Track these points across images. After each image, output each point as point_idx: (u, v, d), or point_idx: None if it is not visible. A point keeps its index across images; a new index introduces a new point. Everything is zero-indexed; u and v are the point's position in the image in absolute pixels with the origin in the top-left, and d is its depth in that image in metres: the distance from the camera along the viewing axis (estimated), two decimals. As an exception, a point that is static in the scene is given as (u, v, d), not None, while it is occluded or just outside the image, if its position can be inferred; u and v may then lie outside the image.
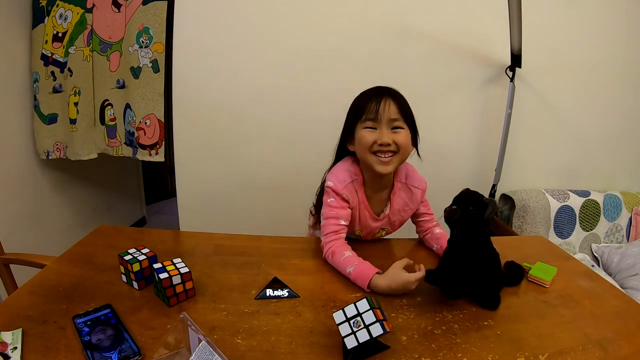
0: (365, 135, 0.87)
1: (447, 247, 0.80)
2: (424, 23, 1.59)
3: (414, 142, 0.94)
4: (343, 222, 0.91)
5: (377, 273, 0.80)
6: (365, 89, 0.95)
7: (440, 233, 1.02)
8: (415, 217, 1.06)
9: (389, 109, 0.87)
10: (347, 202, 0.92)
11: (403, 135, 0.88)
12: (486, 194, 1.67)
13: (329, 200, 0.93)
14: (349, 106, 0.95)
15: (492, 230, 1.75)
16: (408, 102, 0.94)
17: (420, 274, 0.77)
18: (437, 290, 0.81)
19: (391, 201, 0.98)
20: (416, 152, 0.98)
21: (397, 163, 0.90)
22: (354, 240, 1.03)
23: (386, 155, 0.87)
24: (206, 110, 1.63)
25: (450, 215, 0.73)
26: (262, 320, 0.69)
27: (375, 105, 0.87)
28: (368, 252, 0.92)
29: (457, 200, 0.75)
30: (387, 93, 0.90)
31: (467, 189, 0.78)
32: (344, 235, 0.92)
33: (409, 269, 0.80)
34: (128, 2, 1.59)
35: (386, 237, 1.08)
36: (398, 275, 0.78)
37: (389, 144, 0.87)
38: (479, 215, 0.72)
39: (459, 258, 0.76)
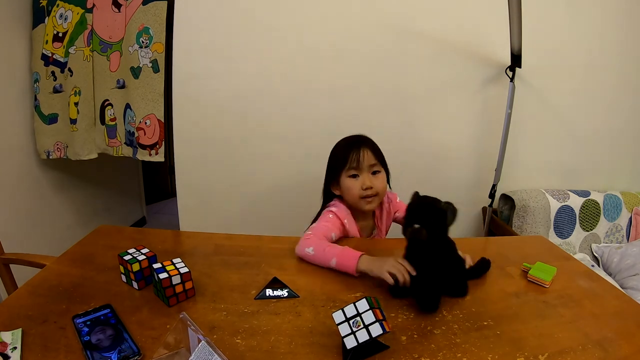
0: (352, 185, 1.05)
1: (407, 258, 0.78)
2: (424, 23, 1.59)
3: (388, 180, 1.12)
4: (333, 236, 1.01)
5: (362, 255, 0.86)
6: (344, 136, 1.13)
7: None
8: (396, 221, 1.22)
9: (367, 157, 1.05)
10: (345, 227, 1.06)
11: (380, 180, 1.07)
12: (486, 194, 1.68)
13: (329, 216, 1.06)
14: (330, 154, 1.12)
15: (492, 230, 1.76)
16: (380, 147, 1.11)
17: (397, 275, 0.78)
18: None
19: (378, 226, 1.17)
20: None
21: (379, 201, 1.10)
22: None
23: (370, 198, 1.06)
24: (206, 110, 1.63)
25: (415, 236, 0.71)
26: (262, 320, 0.69)
27: (356, 155, 1.04)
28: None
29: (413, 212, 0.73)
30: (364, 143, 1.07)
31: (417, 195, 0.77)
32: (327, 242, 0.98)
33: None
34: (128, 2, 1.59)
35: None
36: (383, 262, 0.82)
37: (371, 187, 1.04)
38: (441, 225, 0.72)
39: (430, 268, 0.74)
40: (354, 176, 1.05)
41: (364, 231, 1.14)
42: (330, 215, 1.06)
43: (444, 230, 0.74)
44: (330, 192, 1.13)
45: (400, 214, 1.19)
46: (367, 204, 1.06)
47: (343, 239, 1.06)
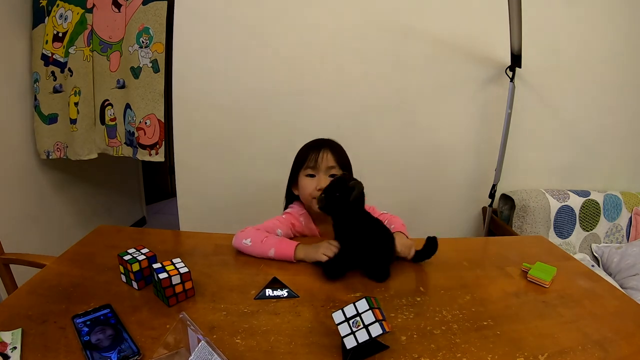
0: (306, 184, 1.05)
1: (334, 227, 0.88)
2: (424, 23, 1.59)
3: None
4: (279, 232, 1.02)
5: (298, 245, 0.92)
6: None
7: (395, 227, 1.10)
8: None
9: (327, 158, 1.04)
10: (300, 225, 1.07)
11: None
12: (486, 194, 1.68)
13: (281, 216, 1.08)
14: (295, 156, 1.12)
15: (492, 230, 1.76)
16: (346, 152, 1.11)
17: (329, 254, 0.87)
18: (437, 290, 0.81)
19: None
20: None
21: None
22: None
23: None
24: (206, 110, 1.63)
25: (318, 204, 0.84)
26: (262, 320, 0.69)
27: (315, 155, 1.04)
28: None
29: (327, 188, 0.85)
30: (326, 145, 1.07)
31: (340, 176, 0.88)
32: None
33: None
34: (128, 2, 1.59)
35: None
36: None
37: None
38: (345, 198, 0.81)
39: (343, 240, 0.86)
40: (311, 176, 1.05)
41: (325, 234, 1.10)
42: (283, 216, 1.08)
43: (347, 203, 0.82)
44: (292, 193, 1.14)
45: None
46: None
47: (300, 238, 1.06)
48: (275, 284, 0.82)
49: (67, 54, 1.69)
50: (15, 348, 0.58)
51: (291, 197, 1.15)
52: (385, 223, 1.12)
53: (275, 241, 0.92)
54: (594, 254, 1.75)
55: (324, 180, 1.03)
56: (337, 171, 1.05)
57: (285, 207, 1.16)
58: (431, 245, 0.92)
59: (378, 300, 0.62)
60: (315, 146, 1.07)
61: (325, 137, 1.20)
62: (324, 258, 0.86)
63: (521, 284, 0.86)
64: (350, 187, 0.81)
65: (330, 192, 0.83)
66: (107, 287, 0.77)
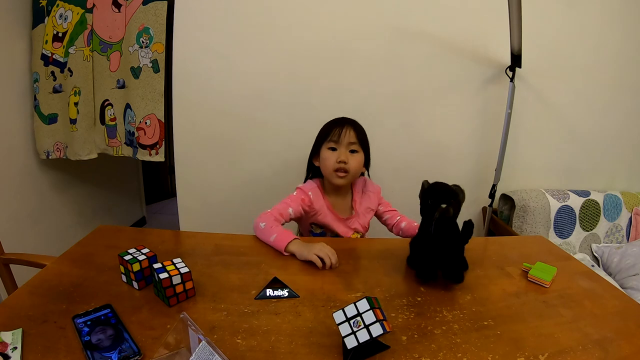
0: (328, 156, 1.12)
1: (420, 235, 0.87)
2: (424, 23, 1.59)
3: (367, 164, 1.20)
4: (291, 211, 1.11)
5: (295, 239, 0.96)
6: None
7: (407, 225, 1.21)
8: (379, 217, 1.28)
9: (349, 134, 1.12)
10: (311, 202, 1.14)
11: (356, 159, 1.13)
12: (486, 194, 1.68)
13: (293, 193, 1.16)
14: (319, 130, 1.18)
15: (492, 230, 1.76)
16: (364, 130, 1.17)
17: (325, 259, 0.89)
18: (437, 290, 0.81)
19: (355, 208, 1.21)
20: (367, 173, 1.27)
21: (349, 180, 1.16)
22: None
23: (342, 173, 1.12)
24: (206, 110, 1.63)
25: (445, 215, 0.79)
26: (262, 320, 0.69)
27: (338, 130, 1.12)
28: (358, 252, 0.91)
29: (430, 196, 0.82)
30: (349, 122, 1.15)
31: (428, 182, 0.85)
32: (283, 221, 1.09)
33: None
34: (128, 2, 1.59)
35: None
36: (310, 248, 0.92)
37: (345, 162, 1.10)
38: (459, 203, 0.80)
39: (452, 241, 0.83)
40: (333, 149, 1.12)
41: (337, 209, 1.19)
42: (295, 192, 1.16)
43: (460, 207, 0.82)
44: (312, 164, 1.22)
45: (384, 208, 1.26)
46: (338, 178, 1.12)
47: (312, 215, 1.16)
48: (275, 284, 0.82)
49: (67, 54, 1.69)
50: (15, 348, 0.58)
51: (312, 168, 1.23)
52: (397, 220, 1.23)
53: (279, 230, 0.99)
54: (594, 254, 1.76)
55: (344, 154, 1.10)
56: (357, 147, 1.13)
57: (306, 179, 1.25)
58: (468, 228, 0.91)
59: (379, 300, 0.62)
60: (339, 122, 1.14)
61: None
62: (318, 262, 0.88)
63: (521, 284, 0.86)
64: (455, 191, 0.81)
65: (440, 199, 0.80)
66: (107, 287, 0.77)
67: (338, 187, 1.17)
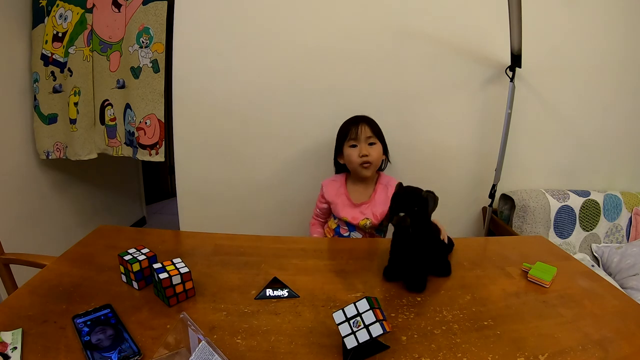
0: (352, 153, 1.27)
1: (394, 244, 0.86)
2: (423, 23, 1.59)
3: (385, 152, 1.34)
4: (318, 210, 1.40)
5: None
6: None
7: None
8: None
9: (365, 130, 1.27)
10: (324, 197, 1.35)
11: (375, 150, 1.27)
12: (486, 194, 1.68)
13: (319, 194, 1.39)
14: (337, 131, 1.35)
15: (492, 230, 1.76)
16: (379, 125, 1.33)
17: None
18: (437, 290, 0.81)
19: (374, 196, 1.31)
20: (388, 160, 1.41)
21: (374, 169, 1.29)
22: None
23: (367, 164, 1.26)
24: (206, 110, 1.63)
25: (400, 224, 0.79)
26: (262, 320, 0.69)
27: (355, 129, 1.27)
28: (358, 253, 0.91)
29: (396, 200, 0.81)
30: (362, 120, 1.30)
31: (401, 185, 0.84)
32: (321, 220, 1.42)
33: None
34: (128, 2, 1.59)
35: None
36: None
37: (367, 155, 1.24)
38: (424, 212, 0.79)
39: (415, 251, 0.82)
40: (354, 146, 1.27)
41: (354, 194, 1.32)
42: (319, 192, 1.38)
43: (426, 216, 0.81)
44: (338, 162, 1.37)
45: None
46: (364, 170, 1.26)
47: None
48: (275, 284, 0.82)
49: (66, 54, 1.69)
50: (15, 348, 0.58)
51: (338, 166, 1.40)
52: None
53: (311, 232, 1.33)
54: (594, 254, 1.75)
55: (365, 148, 1.24)
56: (374, 140, 1.27)
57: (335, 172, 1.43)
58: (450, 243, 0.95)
59: (378, 300, 0.63)
60: (354, 122, 1.30)
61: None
62: None
63: (521, 283, 0.86)
64: (424, 198, 0.79)
65: (404, 204, 0.79)
66: (107, 287, 0.77)
67: (365, 177, 1.30)
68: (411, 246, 0.82)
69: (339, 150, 1.34)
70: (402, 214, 0.78)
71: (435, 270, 0.86)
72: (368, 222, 1.26)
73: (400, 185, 0.85)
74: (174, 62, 1.57)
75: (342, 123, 1.35)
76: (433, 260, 0.85)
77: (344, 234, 1.31)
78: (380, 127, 1.33)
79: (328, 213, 1.39)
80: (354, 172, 1.31)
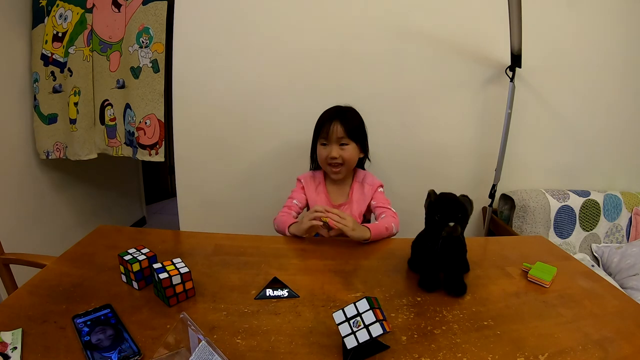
0: (321, 152, 1.21)
1: (441, 253, 0.82)
2: (424, 23, 1.59)
3: (364, 150, 1.27)
4: (295, 202, 1.25)
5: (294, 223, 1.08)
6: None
7: (384, 218, 1.19)
8: (373, 212, 1.28)
9: (336, 130, 1.17)
10: (304, 188, 1.27)
11: (347, 151, 1.19)
12: (486, 194, 1.68)
13: (295, 187, 1.30)
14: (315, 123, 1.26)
15: (492, 230, 1.76)
16: (359, 120, 1.26)
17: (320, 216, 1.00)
18: (437, 290, 0.81)
19: (350, 195, 1.27)
20: (367, 158, 1.34)
21: (345, 171, 1.23)
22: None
23: (336, 167, 1.21)
24: (206, 110, 1.63)
25: (452, 234, 0.77)
26: (262, 320, 0.69)
27: (327, 127, 1.18)
28: (352, 253, 0.91)
29: (435, 209, 0.79)
30: (337, 116, 1.19)
31: (435, 193, 0.82)
32: (294, 212, 1.22)
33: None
34: (128, 2, 1.59)
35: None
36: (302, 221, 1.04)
37: (336, 158, 1.18)
38: (466, 217, 0.78)
39: (459, 257, 0.81)
40: (324, 144, 1.21)
41: (333, 194, 1.28)
42: (296, 185, 1.30)
43: (467, 221, 0.80)
44: (315, 156, 1.30)
45: (376, 203, 1.25)
46: (333, 172, 1.22)
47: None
48: (275, 284, 0.82)
49: (66, 54, 1.69)
50: (15, 348, 0.58)
51: (313, 160, 1.33)
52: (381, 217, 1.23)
53: (283, 219, 1.13)
54: (594, 254, 1.75)
55: (335, 150, 1.18)
56: (346, 141, 1.18)
57: (310, 168, 1.36)
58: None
59: (378, 300, 0.63)
60: (328, 117, 1.21)
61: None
62: (319, 223, 1.00)
63: (521, 284, 0.86)
64: (462, 203, 0.78)
65: (453, 215, 0.77)
66: (107, 287, 0.77)
67: (334, 179, 1.26)
68: (458, 253, 0.82)
69: (314, 144, 1.27)
70: (452, 224, 0.76)
71: (452, 287, 0.85)
72: None
73: (433, 193, 0.82)
74: (174, 62, 1.57)
75: (323, 112, 1.27)
76: (455, 274, 0.84)
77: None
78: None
79: (302, 209, 1.29)
80: (324, 170, 1.26)
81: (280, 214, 1.20)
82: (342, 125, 1.17)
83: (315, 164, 1.32)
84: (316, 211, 1.01)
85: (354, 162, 1.23)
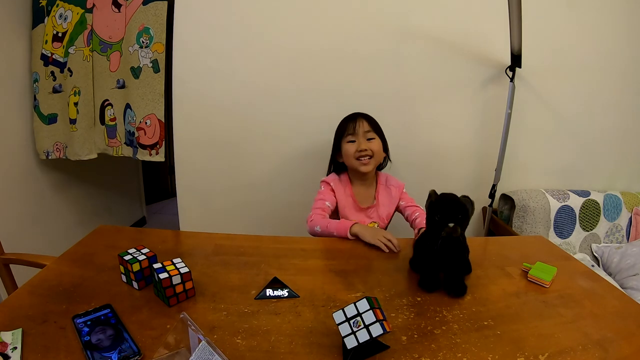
0: (349, 147, 1.23)
1: (440, 254, 0.82)
2: (424, 23, 1.59)
3: (385, 149, 1.29)
4: (328, 204, 1.22)
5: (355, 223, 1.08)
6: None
7: (420, 221, 1.24)
8: (402, 213, 1.33)
9: (363, 125, 1.23)
10: (333, 190, 1.26)
11: (376, 143, 1.23)
12: (486, 194, 1.68)
13: (320, 189, 1.28)
14: (336, 129, 1.30)
15: (492, 230, 1.76)
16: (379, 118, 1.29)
17: (388, 245, 0.99)
18: (437, 290, 0.81)
19: (377, 198, 1.30)
20: (388, 158, 1.34)
21: (374, 164, 1.24)
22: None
23: (366, 159, 1.21)
24: (206, 110, 1.63)
25: (451, 235, 0.77)
26: (262, 320, 0.69)
27: (353, 124, 1.23)
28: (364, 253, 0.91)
29: (436, 210, 0.79)
30: (360, 115, 1.26)
31: (435, 193, 0.82)
32: (327, 214, 1.20)
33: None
34: (128, 2, 1.59)
35: None
36: (377, 231, 1.04)
37: (365, 150, 1.20)
38: (466, 218, 0.78)
39: (460, 258, 0.80)
40: (352, 142, 1.23)
41: (359, 198, 1.28)
42: (322, 187, 1.28)
43: (467, 222, 0.80)
44: (336, 161, 1.32)
45: (405, 203, 1.31)
46: (362, 165, 1.22)
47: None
48: (275, 284, 0.82)
49: (66, 54, 1.69)
50: (15, 348, 0.58)
51: (336, 165, 1.33)
52: (416, 215, 1.28)
53: (334, 222, 1.11)
54: (594, 254, 1.76)
55: (363, 143, 1.20)
56: (372, 135, 1.23)
57: (328, 173, 1.36)
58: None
59: (378, 300, 0.62)
60: (351, 118, 1.26)
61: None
62: (383, 247, 0.99)
63: (521, 284, 0.86)
64: (463, 204, 0.78)
65: (453, 216, 0.77)
66: (107, 287, 0.77)
67: (363, 176, 1.26)
68: (458, 253, 0.81)
69: (337, 148, 1.29)
70: (452, 225, 0.76)
71: (452, 288, 0.84)
72: (376, 226, 1.25)
73: (434, 193, 0.82)
74: (174, 62, 1.57)
75: (337, 126, 1.31)
76: (455, 274, 0.84)
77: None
78: (381, 127, 1.32)
79: (333, 212, 1.29)
80: (352, 169, 1.26)
81: (316, 216, 1.16)
82: (367, 121, 1.24)
83: (337, 168, 1.33)
84: (385, 238, 1.01)
85: (381, 156, 1.27)
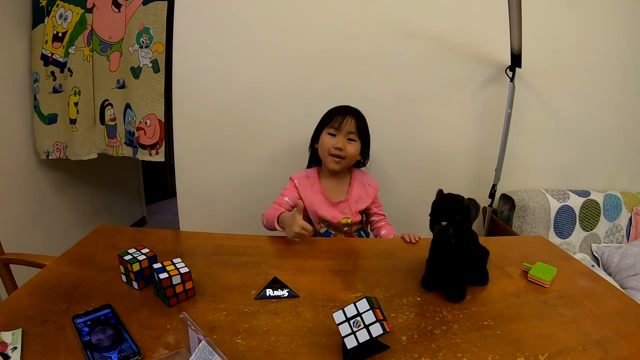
0: (326, 140, 1.19)
1: (433, 253, 0.83)
2: (423, 23, 1.59)
3: (363, 153, 1.26)
4: (287, 199, 1.22)
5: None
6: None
7: (386, 234, 1.24)
8: (368, 215, 1.31)
9: (349, 123, 1.18)
10: (297, 187, 1.24)
11: (353, 147, 1.19)
12: (486, 194, 1.68)
13: (287, 185, 1.27)
14: (322, 116, 1.25)
15: (492, 230, 1.76)
16: (365, 119, 1.25)
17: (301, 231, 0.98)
18: (437, 290, 0.81)
19: (350, 192, 1.26)
20: (363, 161, 1.31)
21: (344, 166, 1.22)
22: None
23: (338, 159, 1.19)
24: (206, 110, 1.63)
25: (442, 233, 0.75)
26: (262, 320, 0.69)
27: (340, 118, 1.18)
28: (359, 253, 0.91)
29: (437, 208, 0.78)
30: (351, 112, 1.21)
31: (442, 192, 0.80)
32: (283, 209, 1.17)
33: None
34: (128, 2, 1.59)
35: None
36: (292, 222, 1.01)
37: (341, 149, 1.17)
38: (466, 220, 0.76)
39: (456, 261, 0.79)
40: (332, 135, 1.19)
41: (330, 193, 1.25)
42: (288, 183, 1.27)
43: (468, 225, 0.78)
44: (313, 148, 1.29)
45: (375, 208, 1.30)
46: (333, 162, 1.20)
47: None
48: (275, 284, 0.82)
49: (66, 54, 1.69)
50: (15, 348, 0.58)
51: (313, 152, 1.30)
52: (381, 225, 1.26)
53: (272, 212, 1.12)
54: (594, 254, 1.76)
55: (342, 141, 1.17)
56: (355, 137, 1.19)
57: (308, 162, 1.34)
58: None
59: (378, 300, 0.63)
60: (342, 110, 1.21)
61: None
62: (295, 237, 0.99)
63: (521, 284, 0.86)
64: (467, 206, 0.76)
65: (450, 216, 0.75)
66: (107, 287, 0.77)
67: (334, 171, 1.24)
68: (452, 256, 0.79)
69: (317, 135, 1.25)
70: (444, 223, 0.75)
71: (474, 279, 0.84)
72: (349, 221, 1.23)
73: (440, 192, 0.80)
74: (174, 62, 1.57)
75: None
76: (472, 269, 0.82)
77: (322, 232, 1.27)
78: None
79: (292, 207, 1.25)
80: (322, 159, 1.23)
81: (269, 209, 1.17)
82: (355, 120, 1.19)
83: (312, 156, 1.32)
84: (298, 226, 0.98)
85: (354, 161, 1.24)
